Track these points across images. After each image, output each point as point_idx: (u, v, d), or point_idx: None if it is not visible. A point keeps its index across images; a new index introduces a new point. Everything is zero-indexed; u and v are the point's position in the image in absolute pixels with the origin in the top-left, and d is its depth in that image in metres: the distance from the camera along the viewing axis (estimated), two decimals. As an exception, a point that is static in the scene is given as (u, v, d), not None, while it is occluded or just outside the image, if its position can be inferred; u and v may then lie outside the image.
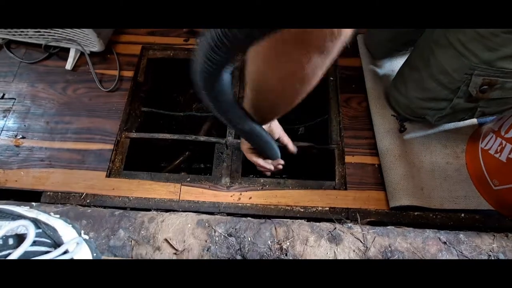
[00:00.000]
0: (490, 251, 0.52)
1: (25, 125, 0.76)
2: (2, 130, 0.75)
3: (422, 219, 0.64)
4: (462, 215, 0.65)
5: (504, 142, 0.60)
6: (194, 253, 0.53)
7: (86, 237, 0.53)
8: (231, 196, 0.67)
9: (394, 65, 0.83)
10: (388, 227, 0.57)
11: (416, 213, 0.65)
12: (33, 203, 0.60)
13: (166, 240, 0.54)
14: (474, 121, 0.74)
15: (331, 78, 0.84)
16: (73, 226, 0.52)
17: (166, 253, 0.53)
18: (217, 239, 0.54)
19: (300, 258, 0.51)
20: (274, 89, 0.38)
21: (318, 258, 0.51)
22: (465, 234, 0.54)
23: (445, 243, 0.53)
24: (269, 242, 0.53)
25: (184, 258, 0.52)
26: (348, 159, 0.72)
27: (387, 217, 0.64)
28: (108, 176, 0.70)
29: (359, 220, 0.63)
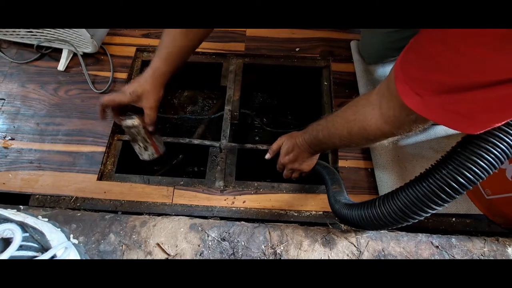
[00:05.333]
0: (482, 255, 0.52)
1: (14, 126, 0.74)
2: (-10, 131, 0.74)
3: (414, 223, 0.65)
4: (453, 219, 0.65)
5: None
6: (186, 258, 0.52)
7: (75, 241, 0.52)
8: (225, 200, 0.66)
9: (386, 70, 0.84)
10: (382, 231, 0.57)
11: (408, 218, 0.65)
12: (21, 206, 0.58)
13: (158, 244, 0.53)
14: (464, 126, 0.76)
15: (325, 83, 0.85)
16: (62, 230, 0.51)
17: (158, 258, 0.52)
18: (210, 243, 0.53)
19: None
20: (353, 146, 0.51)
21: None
22: (456, 238, 0.55)
23: (437, 247, 0.53)
24: (263, 246, 0.53)
25: (176, 263, 0.51)
26: (341, 163, 0.72)
27: (380, 221, 0.65)
28: (100, 179, 0.69)
29: (352, 224, 0.63)
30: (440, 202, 0.36)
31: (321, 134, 0.54)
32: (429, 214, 0.38)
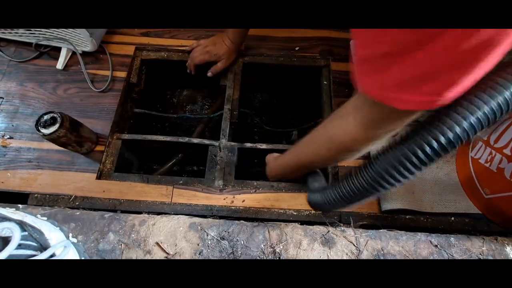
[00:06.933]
0: (480, 254, 0.53)
1: (13, 125, 0.74)
2: (-12, 130, 0.73)
3: (413, 222, 0.65)
4: (452, 218, 0.65)
5: (494, 152, 0.61)
6: (186, 257, 0.52)
7: (74, 240, 0.52)
8: (224, 199, 0.66)
9: (386, 70, 0.84)
10: (381, 230, 0.57)
11: (407, 217, 0.65)
12: (20, 205, 0.58)
13: (157, 243, 0.53)
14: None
15: (325, 82, 0.85)
16: (60, 229, 0.51)
17: (157, 257, 0.52)
18: (209, 242, 0.53)
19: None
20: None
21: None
22: (455, 237, 0.55)
23: (436, 246, 0.53)
24: (262, 245, 0.53)
25: (176, 261, 0.51)
26: (341, 162, 0.72)
27: (379, 220, 0.65)
28: (99, 178, 0.69)
29: (352, 223, 0.63)
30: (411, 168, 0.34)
31: (299, 154, 0.54)
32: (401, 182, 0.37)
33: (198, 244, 0.53)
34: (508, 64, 0.28)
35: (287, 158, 0.58)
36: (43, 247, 0.43)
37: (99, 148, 0.72)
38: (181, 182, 0.69)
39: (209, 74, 0.83)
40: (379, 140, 0.39)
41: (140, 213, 0.60)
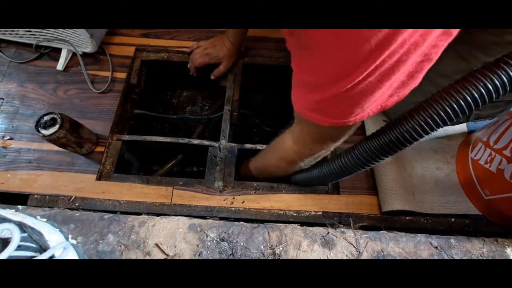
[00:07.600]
0: (480, 255, 0.53)
1: (13, 126, 0.74)
2: (-12, 131, 0.73)
3: (413, 223, 0.65)
4: (452, 220, 0.65)
5: (493, 153, 0.61)
6: (185, 258, 0.52)
7: (74, 241, 0.52)
8: (224, 200, 0.66)
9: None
10: (381, 231, 0.57)
11: (407, 218, 0.65)
12: (19, 206, 0.58)
13: (156, 245, 0.53)
14: (464, 127, 0.76)
15: (325, 83, 0.85)
16: (60, 230, 0.51)
17: (157, 258, 0.52)
18: (209, 243, 0.53)
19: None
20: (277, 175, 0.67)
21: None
22: (456, 239, 0.55)
23: (436, 247, 0.53)
24: (262, 247, 0.53)
25: (175, 263, 0.51)
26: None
27: (379, 221, 0.65)
28: (99, 179, 0.69)
29: (351, 224, 0.63)
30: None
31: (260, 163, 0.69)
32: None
33: (197, 246, 0.53)
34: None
35: (254, 161, 0.70)
36: (43, 249, 0.43)
37: (99, 149, 0.72)
38: (180, 183, 0.69)
39: (212, 77, 0.83)
40: (316, 153, 0.49)
41: (139, 214, 0.60)
